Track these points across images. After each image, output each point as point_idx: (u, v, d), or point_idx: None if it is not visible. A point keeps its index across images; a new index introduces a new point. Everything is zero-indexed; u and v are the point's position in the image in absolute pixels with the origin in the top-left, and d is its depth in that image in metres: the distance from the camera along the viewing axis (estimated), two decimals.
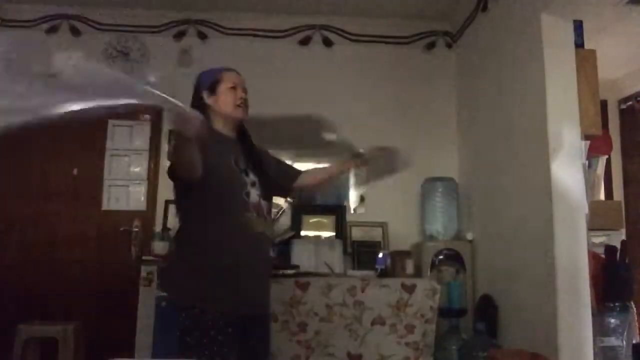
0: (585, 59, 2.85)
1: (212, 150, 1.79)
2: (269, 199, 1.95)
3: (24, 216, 3.85)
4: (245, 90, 1.97)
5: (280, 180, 2.07)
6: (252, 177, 1.90)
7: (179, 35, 4.14)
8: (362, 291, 2.97)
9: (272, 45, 4.18)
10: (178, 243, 2.01)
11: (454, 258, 3.60)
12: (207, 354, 1.75)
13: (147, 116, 4.04)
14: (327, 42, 4.20)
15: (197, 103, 1.91)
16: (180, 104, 1.55)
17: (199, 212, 1.86)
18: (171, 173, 1.84)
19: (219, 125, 1.94)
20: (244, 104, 1.94)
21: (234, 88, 1.94)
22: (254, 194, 1.87)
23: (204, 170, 1.75)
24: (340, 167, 2.27)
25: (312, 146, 2.82)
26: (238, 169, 1.87)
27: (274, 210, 3.20)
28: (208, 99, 1.94)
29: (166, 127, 3.78)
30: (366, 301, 2.96)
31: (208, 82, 1.95)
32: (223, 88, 1.93)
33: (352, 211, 4.02)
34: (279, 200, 3.70)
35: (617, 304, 2.78)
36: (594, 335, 2.62)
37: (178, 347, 1.81)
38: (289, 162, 2.33)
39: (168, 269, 2.20)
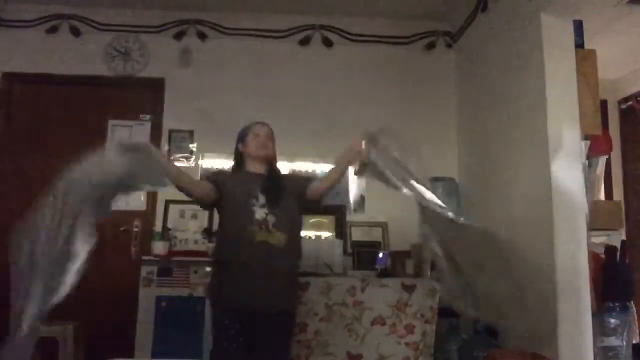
0: (585, 59, 2.85)
1: (233, 184, 2.43)
2: (278, 214, 2.36)
3: (24, 216, 3.84)
4: (269, 137, 2.51)
5: (298, 192, 2.48)
6: (262, 200, 2.37)
7: (179, 35, 4.14)
8: (362, 291, 2.97)
9: (272, 45, 4.18)
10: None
11: None
12: (220, 344, 2.29)
13: (147, 116, 4.04)
14: (327, 42, 4.20)
15: (235, 152, 2.56)
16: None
17: (220, 230, 2.50)
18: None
19: (249, 165, 2.50)
20: (263, 146, 2.48)
21: (257, 136, 2.49)
22: (261, 212, 2.35)
23: (225, 199, 2.39)
24: (345, 158, 2.43)
25: None
26: (249, 195, 2.37)
27: None
28: (240, 148, 2.54)
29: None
30: (366, 301, 2.96)
31: (241, 135, 2.54)
32: (250, 137, 2.50)
33: (352, 211, 4.02)
34: None
35: (617, 304, 2.78)
36: (594, 335, 2.62)
37: None
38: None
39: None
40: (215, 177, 2.51)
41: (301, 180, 2.59)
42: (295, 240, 2.48)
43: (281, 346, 2.39)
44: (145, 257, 3.47)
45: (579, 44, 2.88)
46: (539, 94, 2.82)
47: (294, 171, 3.86)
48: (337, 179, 2.48)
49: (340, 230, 3.85)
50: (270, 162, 2.54)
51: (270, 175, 2.49)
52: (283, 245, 2.35)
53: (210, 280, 2.49)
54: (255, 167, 2.50)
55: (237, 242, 2.35)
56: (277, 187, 2.44)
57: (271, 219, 2.35)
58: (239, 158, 2.56)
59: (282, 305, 2.39)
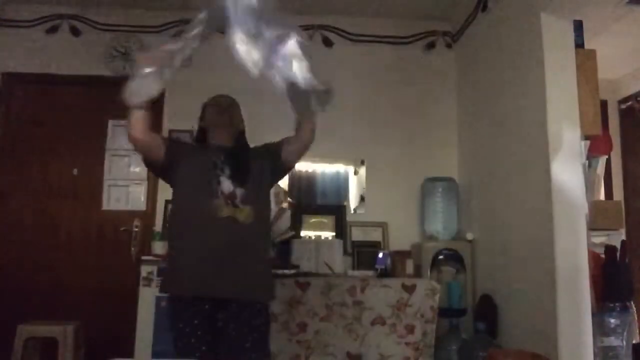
0: (585, 59, 2.85)
1: (194, 155, 2.20)
2: (247, 187, 2.12)
3: (24, 216, 3.86)
4: (230, 105, 2.31)
5: (274, 156, 2.26)
6: (227, 171, 2.12)
7: (179, 35, 4.13)
8: (362, 291, 2.97)
9: None
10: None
11: (454, 258, 3.60)
12: (174, 336, 2.03)
13: None
14: (327, 42, 4.20)
15: (197, 131, 2.35)
16: None
17: (174, 205, 2.22)
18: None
19: (211, 139, 2.27)
20: (224, 113, 2.27)
21: (216, 105, 2.30)
22: (228, 184, 2.10)
23: (180, 169, 2.13)
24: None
25: None
26: (213, 167, 2.12)
27: (274, 210, 3.28)
28: (201, 124, 2.33)
29: None
30: (366, 301, 2.96)
31: (200, 114, 2.34)
32: (208, 109, 2.31)
33: (352, 211, 4.02)
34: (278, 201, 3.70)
35: (617, 304, 2.78)
36: (594, 335, 2.62)
37: None
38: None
39: None
40: (171, 140, 2.33)
41: (274, 145, 2.29)
42: (264, 215, 2.21)
43: (257, 343, 2.06)
44: (145, 257, 3.47)
45: (579, 44, 2.88)
46: (539, 94, 2.82)
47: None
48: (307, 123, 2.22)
49: (340, 230, 3.85)
50: (237, 135, 2.29)
51: (236, 146, 2.23)
52: (252, 222, 2.07)
53: (164, 267, 2.18)
54: (218, 139, 2.24)
55: (197, 218, 2.04)
56: (244, 157, 2.19)
57: (240, 192, 2.09)
58: (201, 135, 2.31)
59: (255, 294, 2.08)
